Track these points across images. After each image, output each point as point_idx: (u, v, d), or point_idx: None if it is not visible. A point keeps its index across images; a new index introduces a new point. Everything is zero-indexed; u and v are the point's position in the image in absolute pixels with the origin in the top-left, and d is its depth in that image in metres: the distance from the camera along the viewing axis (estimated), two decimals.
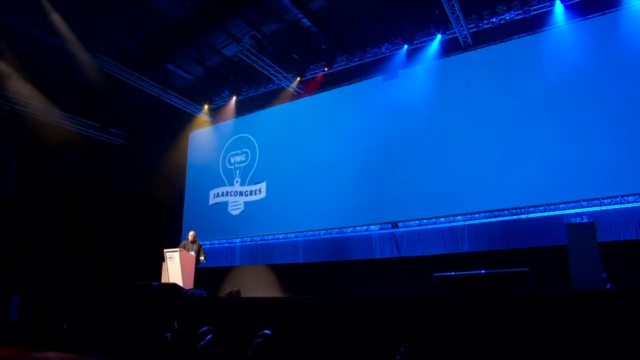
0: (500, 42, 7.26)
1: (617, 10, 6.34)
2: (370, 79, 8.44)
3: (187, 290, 5.38)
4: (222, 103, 10.06)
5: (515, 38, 7.18)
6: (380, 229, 7.70)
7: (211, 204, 9.56)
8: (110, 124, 9.81)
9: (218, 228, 9.25)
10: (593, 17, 6.55)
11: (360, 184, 7.91)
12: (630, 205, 5.96)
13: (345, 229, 8.06)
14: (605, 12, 6.47)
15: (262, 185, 9.05)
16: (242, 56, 8.50)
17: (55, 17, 7.28)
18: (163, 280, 6.23)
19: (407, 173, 7.48)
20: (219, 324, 3.79)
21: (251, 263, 8.82)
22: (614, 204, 6.05)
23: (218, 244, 9.41)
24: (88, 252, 8.70)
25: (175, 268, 6.10)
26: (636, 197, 5.96)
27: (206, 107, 10.09)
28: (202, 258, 6.58)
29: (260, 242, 8.89)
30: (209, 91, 9.96)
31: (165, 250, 6.33)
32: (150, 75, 8.99)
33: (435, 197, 7.05)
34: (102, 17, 7.85)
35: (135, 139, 10.04)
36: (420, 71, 7.80)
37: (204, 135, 10.25)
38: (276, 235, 8.69)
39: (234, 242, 9.23)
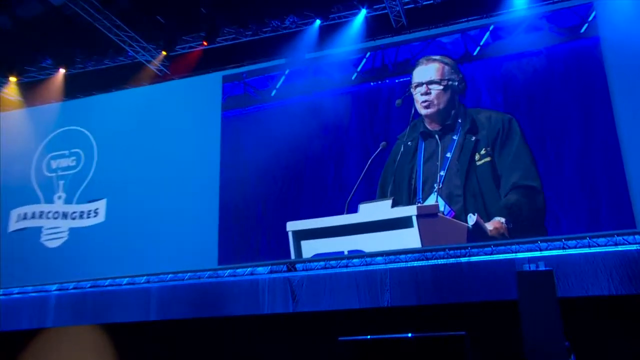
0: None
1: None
2: (268, 62, 8.50)
3: None
4: (41, 77, 9.63)
5: (463, 21, 7.54)
6: (271, 272, 7.68)
7: (12, 231, 9.11)
8: None
9: (20, 268, 8.77)
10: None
11: (245, 205, 7.97)
12: (601, 249, 6.15)
13: (221, 272, 7.95)
14: None
15: (100, 205, 8.77)
16: (76, 8, 8.12)
17: None
18: None
19: (315, 188, 7.66)
20: None
21: (75, 323, 8.32)
22: (580, 247, 6.23)
23: (18, 294, 8.77)
24: None
25: None
26: (609, 239, 6.18)
27: (13, 80, 9.57)
28: None
29: (91, 289, 8.44)
30: (19, 56, 9.34)
31: None
32: None
33: None
34: None
35: None
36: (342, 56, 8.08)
37: (8, 124, 9.74)
38: (117, 281, 8.34)
39: (48, 291, 8.65)
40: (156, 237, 8.26)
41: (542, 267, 5.12)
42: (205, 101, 8.68)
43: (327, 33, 8.18)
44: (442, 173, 5.89)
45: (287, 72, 8.36)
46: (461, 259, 6.63)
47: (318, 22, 8.16)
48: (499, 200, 6.32)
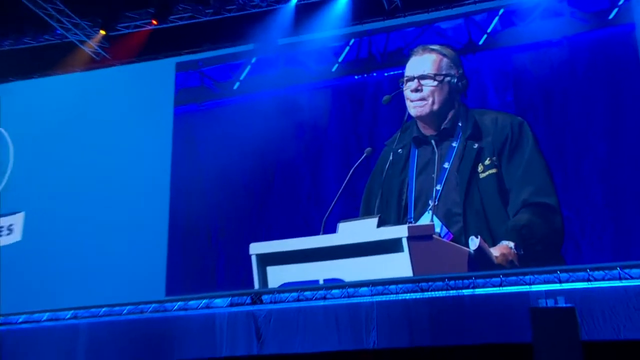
0: None
1: None
2: (231, 48, 8.56)
3: None
4: None
5: (467, 3, 7.59)
6: (231, 304, 7.62)
7: None
8: None
9: None
10: None
11: (199, 221, 8.01)
12: (636, 282, 6.10)
13: (169, 305, 7.84)
14: None
15: (16, 220, 8.69)
16: None
17: None
18: None
19: (286, 202, 7.76)
20: None
21: None
22: (609, 279, 6.19)
23: None
24: None
25: None
26: None
27: None
28: None
29: (1, 328, 8.21)
30: None
31: None
32: None
33: None
34: None
35: None
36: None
37: None
38: (36, 316, 8.15)
39: None
40: (87, 260, 8.18)
41: (562, 303, 5.13)
42: (153, 94, 8.66)
43: (305, 14, 8.19)
44: (438, 187, 5.88)
45: (253, 60, 8.38)
46: (463, 291, 6.57)
47: (294, 0, 8.21)
48: (507, 221, 6.28)
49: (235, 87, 8.39)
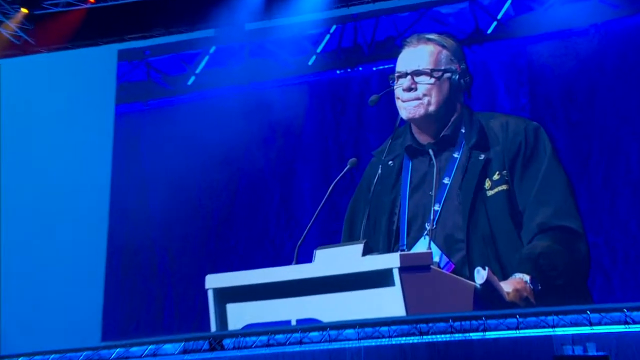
0: None
1: None
2: (186, 33, 8.54)
3: None
4: None
5: None
6: (184, 351, 7.45)
7: None
8: None
9: None
10: None
11: (143, 247, 7.90)
12: None
13: (105, 353, 7.62)
14: None
15: None
16: None
17: None
18: None
19: (251, 224, 7.57)
20: None
21: None
22: None
23: None
24: None
25: None
26: None
27: None
28: None
29: None
30: None
31: None
32: None
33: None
34: None
35: None
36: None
37: None
38: None
39: None
40: (3, 297, 8.14)
41: (593, 351, 5.12)
42: (89, 89, 8.55)
43: None
44: (437, 207, 5.78)
45: (212, 50, 8.42)
46: (471, 334, 6.58)
47: None
48: (521, 249, 6.21)
49: (190, 82, 8.43)
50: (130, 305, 7.96)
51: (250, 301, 6.76)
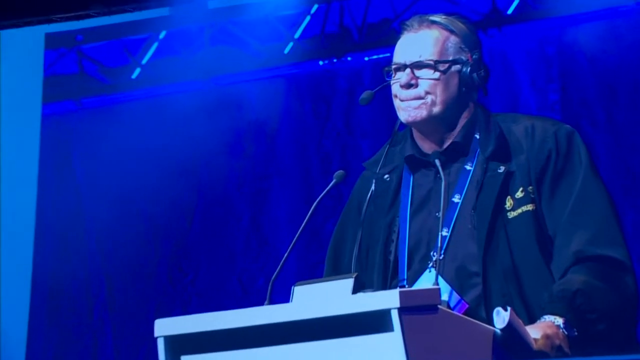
0: None
1: None
2: (130, 13, 8.31)
3: None
4: None
5: None
6: None
7: None
8: None
9: None
10: None
11: (75, 281, 8.07)
12: None
13: None
14: None
15: None
16: None
17: None
18: None
19: (212, 251, 7.66)
20: None
21: None
22: None
23: None
24: None
25: None
26: None
27: None
28: None
29: None
30: None
31: None
32: None
33: None
34: None
35: None
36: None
37: None
38: None
39: None
40: None
41: None
42: (8, 83, 8.52)
43: None
44: (445, 232, 5.76)
45: (162, 35, 8.47)
46: None
47: None
48: (551, 284, 6.29)
49: (134, 75, 8.47)
50: (60, 356, 7.96)
51: (211, 352, 6.77)
